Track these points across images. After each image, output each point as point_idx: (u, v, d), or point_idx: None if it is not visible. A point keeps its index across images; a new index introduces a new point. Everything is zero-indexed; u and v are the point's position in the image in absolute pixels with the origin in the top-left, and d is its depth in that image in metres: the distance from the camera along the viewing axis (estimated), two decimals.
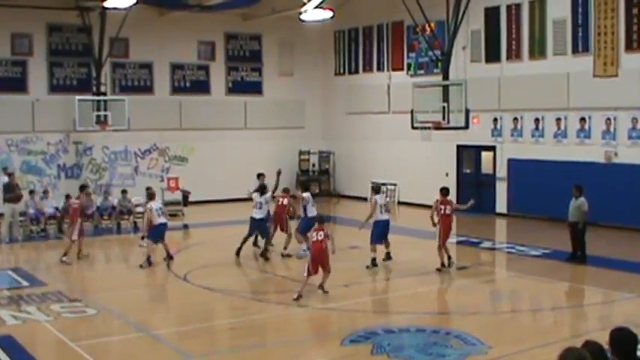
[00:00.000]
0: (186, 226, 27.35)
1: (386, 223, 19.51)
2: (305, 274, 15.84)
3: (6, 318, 14.51)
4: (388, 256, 19.52)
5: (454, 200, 22.31)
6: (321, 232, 16.13)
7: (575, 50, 25.79)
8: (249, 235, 20.81)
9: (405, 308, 15.57)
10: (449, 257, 19.02)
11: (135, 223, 26.96)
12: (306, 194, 20.84)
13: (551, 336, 12.89)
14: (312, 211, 20.36)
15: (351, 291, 17.20)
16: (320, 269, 15.95)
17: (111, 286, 18.00)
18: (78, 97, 29.08)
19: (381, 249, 19.22)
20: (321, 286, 16.06)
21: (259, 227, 20.69)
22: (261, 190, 21.01)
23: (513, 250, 21.48)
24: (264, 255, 20.47)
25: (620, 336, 6.41)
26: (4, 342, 12.80)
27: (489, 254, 21.34)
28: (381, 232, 19.32)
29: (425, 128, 26.67)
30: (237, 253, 20.46)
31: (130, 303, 16.17)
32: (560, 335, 13.07)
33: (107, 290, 17.43)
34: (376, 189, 20.29)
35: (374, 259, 19.11)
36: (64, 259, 20.42)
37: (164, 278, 18.50)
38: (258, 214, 20.56)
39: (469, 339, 12.79)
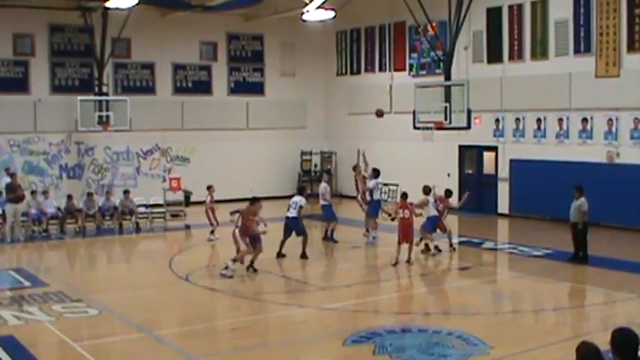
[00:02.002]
0: (187, 227, 27.34)
1: (436, 218, 20.83)
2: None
3: (8, 318, 14.51)
4: (430, 248, 20.92)
5: (455, 199, 23.16)
6: (407, 210, 19.34)
7: (577, 51, 25.79)
8: (286, 237, 20.70)
9: (406, 308, 15.59)
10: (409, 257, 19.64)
11: (137, 223, 26.97)
12: (373, 182, 22.97)
13: (553, 336, 12.89)
14: (377, 195, 23.42)
15: (353, 291, 17.20)
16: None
17: (113, 287, 18.01)
18: (80, 97, 29.14)
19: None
20: (408, 260, 19.14)
21: (294, 226, 20.62)
22: (300, 191, 21.34)
23: (515, 251, 21.46)
24: (304, 255, 20.44)
25: (621, 336, 6.40)
26: (6, 342, 12.81)
27: (491, 255, 21.33)
28: (433, 226, 20.76)
29: (427, 128, 26.67)
30: (278, 255, 20.43)
31: (132, 303, 16.15)
32: (562, 336, 13.06)
33: (109, 291, 17.43)
34: (427, 190, 20.98)
35: (436, 246, 20.90)
36: (225, 271, 18.12)
37: (166, 279, 18.48)
38: (292, 214, 20.54)
39: (471, 339, 12.78)
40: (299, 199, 20.59)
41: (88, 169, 31.22)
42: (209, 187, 24.39)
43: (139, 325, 14.13)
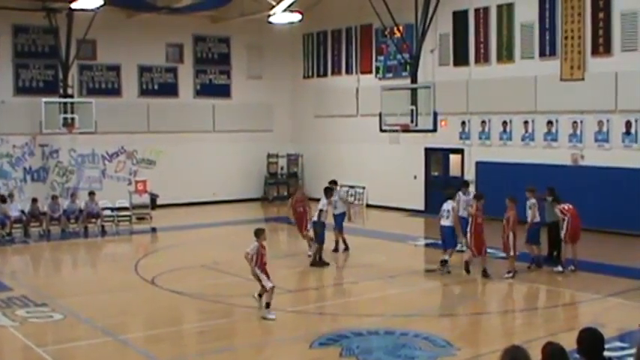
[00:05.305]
0: (154, 230, 27.17)
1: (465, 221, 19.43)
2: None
3: None
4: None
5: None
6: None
7: (542, 54, 25.99)
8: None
9: (373, 311, 15.57)
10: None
11: (102, 226, 26.77)
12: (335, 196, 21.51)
13: (519, 337, 12.93)
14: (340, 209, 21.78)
15: (320, 294, 17.15)
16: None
17: (78, 291, 17.87)
18: (44, 99, 28.88)
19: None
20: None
21: (314, 230, 20.47)
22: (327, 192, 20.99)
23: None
24: (316, 262, 20.14)
25: (588, 336, 6.48)
26: None
27: (457, 256, 21.31)
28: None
29: (393, 131, 26.70)
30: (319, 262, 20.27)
31: (98, 307, 16.02)
32: (528, 336, 13.11)
33: (74, 295, 17.30)
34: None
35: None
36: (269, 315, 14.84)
37: (132, 282, 18.36)
38: (314, 217, 20.45)
39: (438, 341, 12.83)
40: (321, 203, 20.53)
41: (52, 172, 30.95)
42: None
43: (105, 329, 14.02)
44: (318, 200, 21.26)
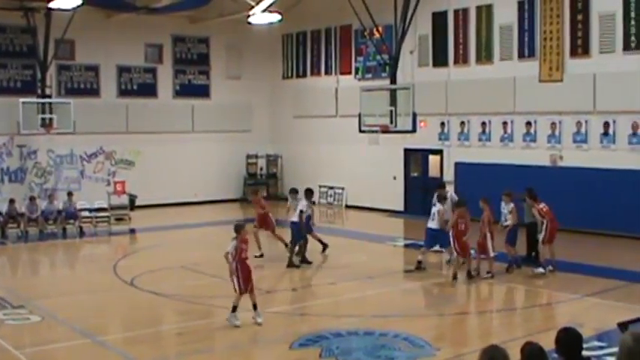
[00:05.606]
0: (132, 231, 27.09)
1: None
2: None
3: None
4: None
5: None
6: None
7: (521, 55, 26.10)
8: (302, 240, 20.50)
9: (353, 311, 15.58)
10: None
11: (81, 227, 26.62)
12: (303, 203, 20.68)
13: (498, 337, 12.96)
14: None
15: (299, 295, 17.15)
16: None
17: (56, 292, 17.77)
18: (22, 99, 28.64)
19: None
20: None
21: (292, 230, 20.46)
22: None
23: None
24: (291, 264, 20.15)
25: (566, 336, 6.51)
26: None
27: (436, 257, 21.40)
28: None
29: (372, 132, 26.70)
30: (302, 261, 20.25)
31: (76, 309, 15.94)
32: (507, 336, 13.16)
33: (52, 296, 17.21)
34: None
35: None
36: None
37: (110, 283, 18.28)
38: (293, 217, 20.37)
39: (417, 341, 12.85)
40: (301, 203, 20.44)
41: (30, 173, 30.74)
42: None
43: (83, 331, 13.94)
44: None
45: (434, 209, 19.25)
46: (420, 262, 19.23)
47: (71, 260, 23.88)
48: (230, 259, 14.10)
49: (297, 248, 20.37)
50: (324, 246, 21.62)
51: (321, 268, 20.59)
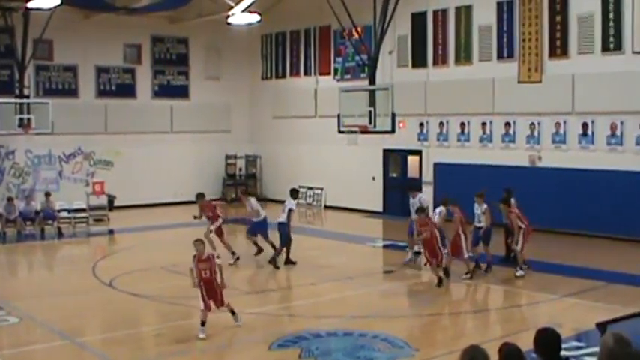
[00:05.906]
0: (111, 232, 27.00)
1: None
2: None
3: None
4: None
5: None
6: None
7: (500, 56, 26.22)
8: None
9: (332, 312, 15.59)
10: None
11: (59, 228, 26.47)
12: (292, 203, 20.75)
13: (476, 338, 12.98)
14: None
15: (278, 295, 17.12)
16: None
17: (34, 294, 17.68)
18: (0, 99, 28.47)
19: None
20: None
21: (279, 232, 20.36)
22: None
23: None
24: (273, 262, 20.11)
25: (544, 336, 6.53)
26: None
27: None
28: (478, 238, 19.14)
29: (351, 132, 26.71)
30: (286, 262, 20.19)
31: (54, 310, 15.86)
32: (486, 336, 13.21)
33: (30, 298, 17.12)
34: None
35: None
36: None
37: (89, 284, 18.20)
38: (281, 218, 20.27)
39: (396, 342, 12.87)
40: (289, 203, 20.41)
41: (8, 174, 30.57)
42: None
43: (62, 332, 13.89)
44: (281, 202, 21.30)
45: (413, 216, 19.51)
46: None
47: (50, 261, 23.77)
48: (194, 276, 14.00)
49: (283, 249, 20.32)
50: (261, 251, 21.17)
51: (298, 269, 20.55)
